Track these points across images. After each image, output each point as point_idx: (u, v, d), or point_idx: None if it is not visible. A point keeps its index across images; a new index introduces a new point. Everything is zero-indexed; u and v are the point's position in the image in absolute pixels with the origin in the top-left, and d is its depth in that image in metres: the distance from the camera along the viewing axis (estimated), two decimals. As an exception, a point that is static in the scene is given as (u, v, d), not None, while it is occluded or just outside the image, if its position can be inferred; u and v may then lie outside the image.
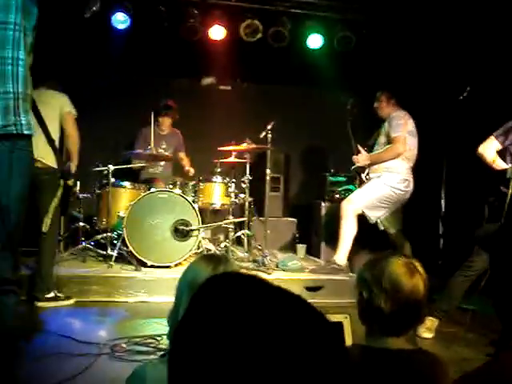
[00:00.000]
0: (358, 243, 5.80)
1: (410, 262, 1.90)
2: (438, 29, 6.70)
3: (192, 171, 6.79)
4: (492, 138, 4.42)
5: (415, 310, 1.85)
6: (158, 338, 3.92)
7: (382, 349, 1.81)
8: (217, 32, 7.13)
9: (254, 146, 6.13)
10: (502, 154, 4.44)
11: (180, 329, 0.80)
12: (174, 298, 2.00)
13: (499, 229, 1.46)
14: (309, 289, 5.49)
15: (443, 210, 7.52)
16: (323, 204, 6.99)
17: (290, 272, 5.85)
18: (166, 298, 4.54)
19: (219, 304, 0.78)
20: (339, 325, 4.14)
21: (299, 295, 0.82)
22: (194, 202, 6.01)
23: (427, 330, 4.54)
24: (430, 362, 1.89)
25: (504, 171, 3.91)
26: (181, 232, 5.85)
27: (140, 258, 5.63)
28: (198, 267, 2.00)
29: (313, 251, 7.03)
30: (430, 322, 4.56)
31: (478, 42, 6.30)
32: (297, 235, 7.26)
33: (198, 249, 5.91)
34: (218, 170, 6.33)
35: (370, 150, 5.87)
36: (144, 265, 5.63)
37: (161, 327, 4.13)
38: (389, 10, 7.03)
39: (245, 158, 6.30)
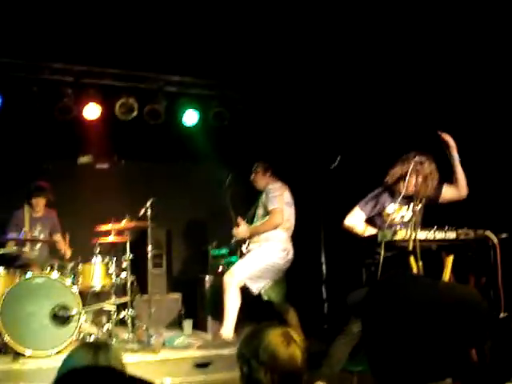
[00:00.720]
0: (245, 314, 5.80)
1: (286, 332, 1.92)
2: (307, 103, 7.08)
3: (68, 253, 6.57)
4: (357, 209, 4.67)
5: (295, 378, 1.87)
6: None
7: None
8: (91, 111, 7.09)
9: (133, 223, 6.05)
10: (368, 222, 4.70)
11: None
12: None
13: (367, 293, 1.52)
14: (199, 365, 5.38)
15: (325, 274, 7.73)
16: (207, 277, 6.97)
17: (178, 350, 5.72)
18: (46, 390, 4.27)
19: None
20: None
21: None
22: (73, 283, 5.78)
23: None
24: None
25: (375, 236, 4.10)
26: (60, 318, 5.57)
27: (17, 347, 5.29)
28: (78, 355, 1.93)
29: (200, 326, 6.93)
30: None
31: (347, 114, 6.71)
32: (182, 311, 7.15)
33: (80, 334, 5.65)
34: (98, 250, 6.15)
35: (250, 221, 5.98)
36: (22, 355, 5.29)
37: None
38: (262, 86, 7.34)
39: (125, 236, 6.19)
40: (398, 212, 4.56)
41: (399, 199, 4.32)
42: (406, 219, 4.54)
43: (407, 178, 4.15)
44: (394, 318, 1.42)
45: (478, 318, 2.03)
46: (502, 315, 3.18)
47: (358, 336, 4.45)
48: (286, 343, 1.88)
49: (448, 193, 4.56)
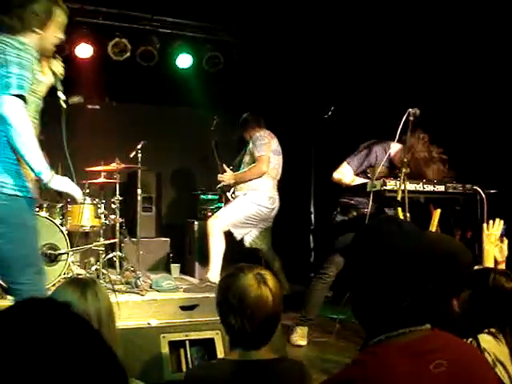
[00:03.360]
0: (231, 260, 5.85)
1: (259, 274, 1.90)
2: (304, 51, 6.98)
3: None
4: (345, 164, 4.69)
5: (266, 322, 1.86)
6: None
7: (245, 361, 1.83)
8: (84, 50, 6.98)
9: (123, 165, 6.02)
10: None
11: None
12: None
13: (353, 238, 1.53)
14: (184, 308, 5.44)
15: (313, 224, 7.81)
16: (196, 222, 6.99)
17: (164, 292, 5.78)
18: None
19: None
20: (211, 341, 4.16)
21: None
22: (61, 224, 5.78)
23: (300, 337, 4.74)
24: (292, 369, 1.94)
25: (364, 185, 4.12)
26: (48, 256, 5.59)
27: (5, 284, 5.32)
28: (64, 292, 1.93)
29: (187, 270, 6.99)
30: (301, 330, 4.76)
31: (343, 65, 6.63)
32: (170, 255, 7.19)
33: (68, 273, 5.69)
34: (87, 191, 6.14)
35: (237, 168, 5.97)
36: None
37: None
38: (257, 32, 7.23)
39: (114, 179, 6.17)
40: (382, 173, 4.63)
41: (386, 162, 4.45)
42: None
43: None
44: (378, 263, 1.43)
45: (461, 268, 2.05)
46: (477, 267, 3.21)
47: (333, 279, 4.62)
48: (256, 285, 1.86)
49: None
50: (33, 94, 3.00)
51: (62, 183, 3.08)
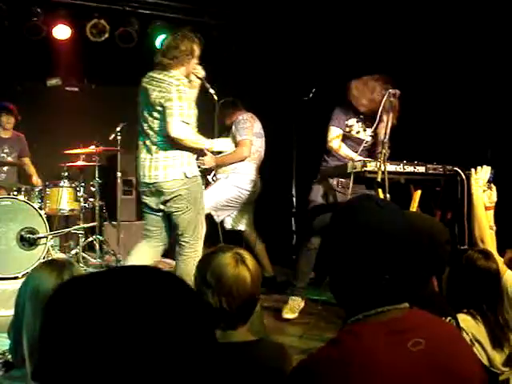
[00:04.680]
0: (212, 243, 5.82)
1: (237, 253, 1.88)
2: (284, 32, 6.93)
3: (40, 182, 6.46)
4: (331, 127, 4.75)
5: (244, 301, 1.84)
6: (2, 353, 3.68)
7: (224, 343, 1.81)
8: (61, 31, 6.89)
9: (102, 148, 5.96)
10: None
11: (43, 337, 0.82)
12: (14, 308, 1.87)
13: (331, 216, 1.52)
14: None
15: (295, 207, 7.80)
16: (176, 205, 6.94)
17: (145, 276, 5.76)
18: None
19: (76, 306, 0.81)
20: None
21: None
22: (40, 208, 5.72)
23: (289, 310, 4.73)
24: (272, 351, 1.93)
25: (345, 165, 4.13)
26: (27, 240, 5.54)
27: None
28: (41, 275, 1.89)
29: (168, 253, 6.96)
30: (292, 301, 4.75)
31: (323, 46, 6.59)
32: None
33: (47, 257, 5.64)
34: (66, 174, 6.07)
35: (218, 151, 5.91)
36: (-13, 277, 5.28)
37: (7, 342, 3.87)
38: (237, 13, 7.16)
39: (94, 161, 6.11)
40: (354, 127, 4.85)
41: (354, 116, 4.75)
42: (360, 136, 4.83)
43: (380, 109, 4.14)
44: (356, 240, 1.41)
45: (438, 246, 2.05)
46: (462, 247, 3.24)
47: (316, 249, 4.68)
48: (234, 264, 1.84)
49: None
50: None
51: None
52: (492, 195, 3.22)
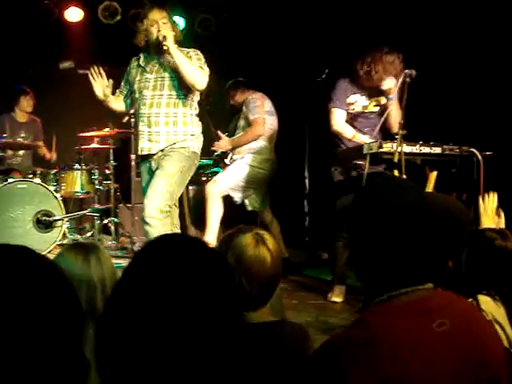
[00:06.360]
0: (229, 224, 5.84)
1: (257, 234, 1.89)
2: (297, 12, 6.87)
3: (55, 156, 6.51)
4: (333, 110, 4.71)
5: (265, 281, 1.85)
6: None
7: (246, 324, 1.82)
8: (73, 14, 6.88)
9: (116, 130, 5.98)
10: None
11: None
12: None
13: (354, 197, 1.52)
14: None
15: (307, 188, 7.79)
16: (190, 187, 6.95)
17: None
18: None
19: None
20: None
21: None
22: (56, 191, 5.77)
23: (336, 295, 4.69)
24: (292, 331, 1.94)
25: (361, 147, 4.12)
26: (43, 223, 5.60)
27: None
28: (67, 258, 1.89)
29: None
30: (338, 289, 4.72)
31: (337, 26, 6.54)
32: (166, 220, 7.18)
33: (63, 240, 5.69)
34: (81, 156, 6.11)
35: (232, 134, 5.92)
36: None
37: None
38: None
39: (108, 144, 6.13)
40: (358, 102, 4.79)
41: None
42: (367, 110, 4.79)
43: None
44: (379, 222, 1.41)
45: (461, 225, 2.05)
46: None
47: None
48: (254, 244, 1.85)
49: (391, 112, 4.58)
50: None
51: None
52: (501, 222, 3.15)
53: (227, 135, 5.84)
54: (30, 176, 5.84)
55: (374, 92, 4.70)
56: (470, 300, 1.99)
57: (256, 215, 5.96)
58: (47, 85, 7.06)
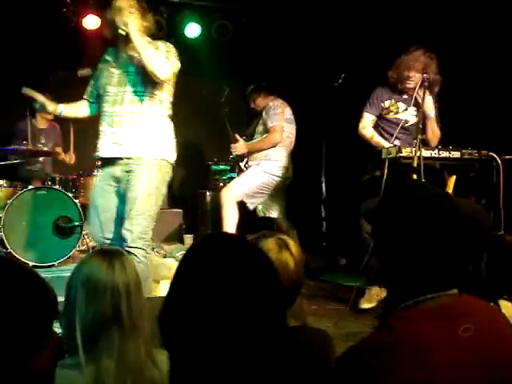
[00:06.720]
0: (246, 230, 5.84)
1: (281, 239, 1.89)
2: (314, 18, 6.89)
3: (73, 158, 6.57)
4: (364, 114, 4.71)
5: (288, 287, 1.84)
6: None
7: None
8: (91, 21, 6.93)
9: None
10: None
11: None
12: (65, 297, 1.89)
13: (380, 201, 1.53)
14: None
15: (324, 194, 7.80)
16: (208, 193, 7.00)
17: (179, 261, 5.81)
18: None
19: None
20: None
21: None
22: (75, 197, 5.81)
23: (365, 301, 4.56)
24: (314, 337, 1.94)
25: (380, 151, 4.12)
26: (63, 229, 5.64)
27: (20, 258, 5.38)
28: (93, 264, 1.91)
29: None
30: (368, 291, 4.58)
31: (353, 31, 6.54)
32: (183, 226, 7.22)
33: (82, 246, 5.74)
34: (99, 163, 6.14)
35: (250, 138, 5.93)
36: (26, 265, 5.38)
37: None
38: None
39: (126, 150, 6.16)
40: (393, 107, 4.73)
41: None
42: (399, 116, 4.72)
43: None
44: (406, 225, 1.42)
45: (483, 231, 2.05)
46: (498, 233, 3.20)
47: None
48: (277, 249, 1.85)
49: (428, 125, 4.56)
50: None
51: None
52: None
53: (245, 139, 5.86)
54: (50, 182, 5.90)
55: (410, 100, 4.62)
56: (492, 305, 1.98)
57: (273, 222, 5.95)
58: (67, 92, 7.11)
